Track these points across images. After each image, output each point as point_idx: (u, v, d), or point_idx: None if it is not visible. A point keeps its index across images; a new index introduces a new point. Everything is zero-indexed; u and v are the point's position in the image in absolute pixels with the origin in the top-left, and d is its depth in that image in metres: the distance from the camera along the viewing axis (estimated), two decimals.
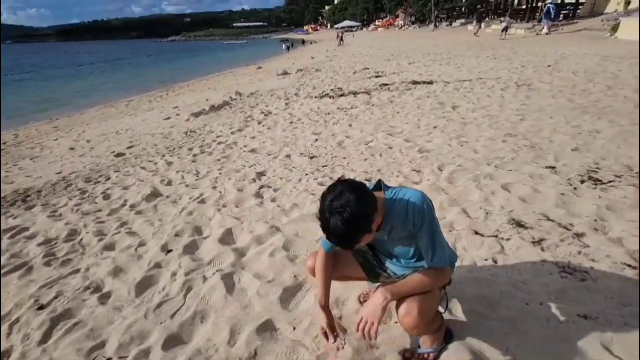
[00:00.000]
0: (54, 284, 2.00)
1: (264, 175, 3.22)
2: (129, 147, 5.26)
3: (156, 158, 4.38)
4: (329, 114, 5.26)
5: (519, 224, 2.01)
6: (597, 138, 3.16)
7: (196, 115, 6.99)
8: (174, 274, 1.98)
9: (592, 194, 2.24)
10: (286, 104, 6.81)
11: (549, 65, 6.81)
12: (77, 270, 2.12)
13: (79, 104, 13.43)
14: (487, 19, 27.19)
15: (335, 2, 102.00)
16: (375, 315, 1.09)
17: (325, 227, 1.00)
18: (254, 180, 3.09)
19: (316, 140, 3.98)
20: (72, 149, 5.83)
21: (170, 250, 2.22)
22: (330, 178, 2.98)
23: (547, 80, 5.48)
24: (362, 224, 0.99)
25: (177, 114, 7.60)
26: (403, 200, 1.13)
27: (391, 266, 1.38)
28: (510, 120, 3.83)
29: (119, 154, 4.90)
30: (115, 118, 8.73)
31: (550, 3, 16.20)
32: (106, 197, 3.28)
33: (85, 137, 6.65)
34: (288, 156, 3.62)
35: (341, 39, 29.02)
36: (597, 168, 2.58)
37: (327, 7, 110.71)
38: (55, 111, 12.35)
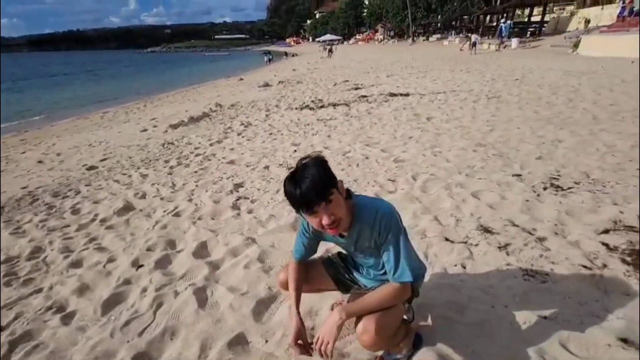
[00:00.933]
0: (13, 305, 1.90)
1: (242, 186, 3.20)
2: (102, 160, 5.10)
3: (131, 171, 4.27)
4: (308, 124, 5.32)
5: (487, 230, 2.09)
6: (559, 147, 3.35)
7: (174, 127, 6.90)
8: (144, 290, 1.92)
9: (554, 200, 2.36)
10: (266, 115, 6.83)
11: (517, 79, 7.19)
12: (40, 290, 2.02)
13: (50, 116, 12.97)
14: (460, 35, 28.49)
15: (317, 16, 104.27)
16: (331, 335, 1.10)
17: (297, 196, 1.03)
18: (231, 192, 3.07)
19: (295, 151, 4.01)
20: (40, 162, 5.59)
21: (142, 266, 2.15)
22: None
23: (515, 93, 5.79)
24: (330, 180, 1.06)
25: (155, 126, 7.47)
26: (372, 207, 1.17)
27: (360, 278, 1.41)
28: (481, 131, 4.01)
29: (91, 167, 4.74)
30: (88, 130, 8.47)
31: (503, 23, 17.73)
32: (75, 211, 3.16)
33: (56, 150, 6.41)
34: (267, 167, 3.62)
35: (330, 51, 29.53)
36: (558, 175, 2.73)
37: (308, 21, 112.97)
38: (24, 123, 11.87)
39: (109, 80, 28.24)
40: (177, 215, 2.78)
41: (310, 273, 1.41)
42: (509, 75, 7.99)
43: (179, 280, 1.99)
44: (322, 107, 6.73)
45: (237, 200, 2.89)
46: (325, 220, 1.06)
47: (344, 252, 1.47)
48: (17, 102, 17.20)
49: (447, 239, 2.06)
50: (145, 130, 7.17)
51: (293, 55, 48.28)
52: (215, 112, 8.17)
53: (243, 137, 5.25)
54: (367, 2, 65.89)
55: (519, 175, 2.82)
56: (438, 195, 2.63)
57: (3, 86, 26.00)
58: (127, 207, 3.07)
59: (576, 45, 13.17)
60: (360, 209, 1.17)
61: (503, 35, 16.92)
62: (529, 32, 20.18)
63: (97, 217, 2.97)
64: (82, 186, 3.91)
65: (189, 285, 1.91)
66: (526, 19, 23.10)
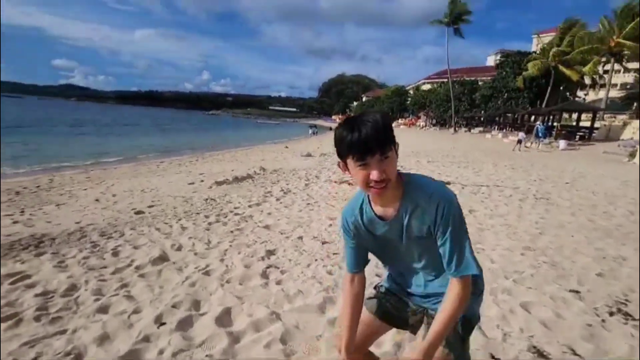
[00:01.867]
0: (36, 343, 1.90)
1: (274, 254, 3.19)
2: (149, 206, 5.44)
3: (172, 221, 4.47)
4: (346, 200, 5.38)
5: (542, 355, 1.82)
6: (624, 266, 3.01)
7: (219, 183, 7.33)
8: (161, 352, 1.84)
9: (624, 330, 2.04)
10: (306, 184, 7.08)
11: (567, 183, 6.93)
12: (64, 332, 2.02)
13: (116, 159, 14.53)
14: (504, 130, 29.01)
15: (364, 99, 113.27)
16: None
17: (352, 139, 0.92)
18: (262, 258, 3.05)
19: (330, 225, 4.01)
20: (97, 200, 6.09)
21: (164, 323, 2.11)
22: (340, 267, 2.90)
23: (566, 197, 5.52)
24: (391, 133, 0.95)
25: (202, 180, 7.99)
26: (429, 187, 1.03)
27: (413, 298, 1.22)
28: (529, 233, 3.77)
29: (139, 212, 5.05)
30: (144, 176, 9.25)
31: (539, 124, 18.24)
32: (115, 254, 3.29)
33: (113, 191, 6.99)
34: (300, 238, 3.61)
35: None
36: (626, 300, 2.40)
37: (355, 103, 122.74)
38: (94, 161, 13.34)
39: (174, 134, 31.65)
40: (207, 273, 2.78)
41: (359, 330, 1.23)
42: (558, 177, 7.76)
43: (197, 347, 1.90)
44: None
45: (268, 268, 2.85)
46: (375, 175, 0.93)
47: (383, 284, 1.31)
48: (94, 144, 19.65)
49: (493, 357, 1.81)
50: (192, 183, 7.68)
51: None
52: (258, 175, 8.63)
53: (281, 203, 5.40)
54: (411, 92, 71.17)
55: (576, 291, 2.52)
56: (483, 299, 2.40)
57: (88, 129, 30.02)
58: (162, 257, 3.14)
59: (632, 155, 12.74)
60: (414, 187, 1.02)
61: (540, 136, 17.08)
62: (578, 136, 20.11)
63: (133, 262, 3.05)
64: (127, 229, 4.13)
65: (206, 356, 1.81)
66: (574, 123, 23.25)
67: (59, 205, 5.73)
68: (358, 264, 1.19)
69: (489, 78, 38.06)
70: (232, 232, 3.92)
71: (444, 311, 1.01)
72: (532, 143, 16.94)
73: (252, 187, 7.06)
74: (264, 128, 57.13)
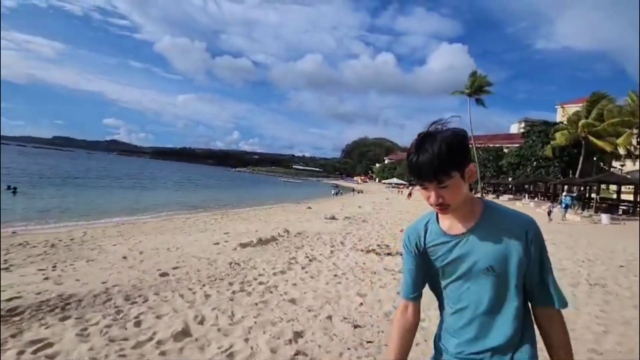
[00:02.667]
0: None
1: (302, 337, 2.94)
2: (174, 268, 5.39)
3: (196, 287, 4.36)
4: (375, 273, 5.11)
5: None
6: None
7: (243, 246, 7.27)
8: None
9: None
10: (331, 251, 6.87)
11: (621, 266, 6.29)
12: None
13: (143, 212, 15.07)
14: (536, 199, 27.99)
15: (386, 161, 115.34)
16: None
17: (411, 165, 0.91)
18: (290, 341, 2.81)
19: (361, 304, 3.73)
20: (124, 257, 6.15)
21: None
22: (375, 359, 2.61)
23: (625, 284, 4.94)
24: (453, 161, 0.88)
25: (226, 241, 7.97)
26: (512, 213, 0.98)
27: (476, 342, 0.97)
28: (591, 331, 3.29)
29: (164, 274, 5.00)
30: (170, 233, 9.39)
31: (565, 195, 17.54)
32: (137, 323, 3.17)
33: (140, 248, 7.08)
34: (329, 318, 3.36)
35: (410, 194, 30.69)
36: None
37: (377, 165, 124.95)
38: (122, 215, 13.87)
39: (201, 190, 32.94)
40: (230, 356, 2.57)
41: None
42: (608, 257, 7.09)
43: None
44: (389, 254, 6.58)
45: (296, 355, 2.60)
46: (432, 200, 0.92)
47: (442, 343, 1.06)
48: (128, 199, 20.63)
49: None
50: (217, 243, 7.67)
51: (359, 192, 51.85)
52: (282, 238, 8.53)
53: (306, 272, 5.19)
54: None
55: None
56: None
57: (122, 183, 31.92)
58: (185, 332, 2.98)
59: None
60: (495, 209, 0.98)
61: (564, 207, 16.23)
62: (621, 210, 18.95)
63: (155, 336, 2.90)
64: (151, 294, 4.04)
65: None
66: (614, 196, 22.13)
67: (88, 262, 5.81)
68: (415, 289, 1.06)
69: (515, 145, 38.10)
70: (256, 304, 3.73)
71: (563, 344, 0.94)
72: (563, 214, 16.04)
73: (276, 251, 6.93)
74: (287, 186, 58.44)
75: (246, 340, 2.86)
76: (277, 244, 7.77)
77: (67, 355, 2.56)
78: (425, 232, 1.03)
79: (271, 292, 4.19)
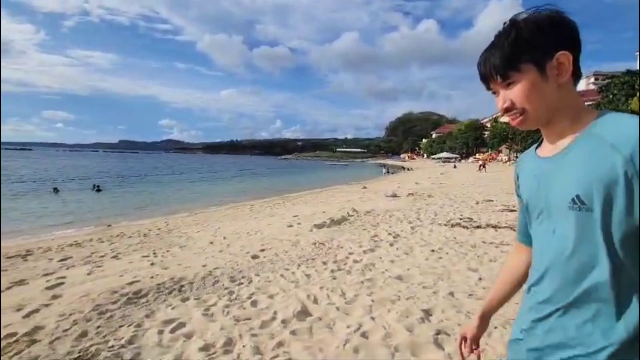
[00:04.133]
0: None
1: (431, 314, 2.71)
2: (261, 250, 5.48)
3: (292, 267, 4.34)
4: (475, 246, 4.70)
5: None
6: None
7: (318, 227, 7.22)
8: None
9: None
10: (412, 227, 6.53)
11: None
12: None
13: (211, 201, 15.93)
14: None
15: (434, 136, 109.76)
16: None
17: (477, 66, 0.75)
18: (422, 320, 2.60)
19: (480, 279, 3.39)
20: (211, 243, 6.43)
21: None
22: None
23: None
24: (526, 39, 0.65)
25: (298, 223, 8.00)
26: (630, 122, 0.59)
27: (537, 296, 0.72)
28: None
29: (254, 256, 5.09)
30: (242, 219, 9.72)
31: None
32: (253, 303, 3.18)
33: (222, 233, 7.38)
34: (451, 294, 3.08)
35: (482, 165, 29.07)
36: None
37: (424, 140, 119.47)
38: (192, 205, 14.78)
39: (254, 178, 34.20)
40: (364, 336, 2.42)
41: None
42: None
43: None
44: (478, 227, 6.07)
45: (437, 335, 2.37)
46: (498, 103, 0.73)
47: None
48: (194, 191, 22.05)
49: None
50: (290, 226, 7.73)
51: (408, 169, 50.04)
52: (352, 217, 8.36)
53: (397, 249, 4.94)
54: (489, 125, 66.62)
55: None
56: None
57: (178, 177, 34.21)
58: (304, 311, 2.91)
59: None
60: (607, 122, 0.63)
61: None
62: None
63: (277, 315, 2.87)
64: (253, 275, 4.10)
65: None
66: None
67: (181, 248, 6.16)
68: (524, 230, 0.87)
69: (591, 103, 33.60)
70: (362, 282, 3.58)
71: None
72: None
73: (353, 229, 6.77)
74: (335, 170, 58.41)
75: (372, 318, 2.69)
76: (350, 223, 7.61)
77: (202, 335, 2.61)
78: (522, 160, 0.84)
79: (370, 270, 4.01)
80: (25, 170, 35.44)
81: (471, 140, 72.61)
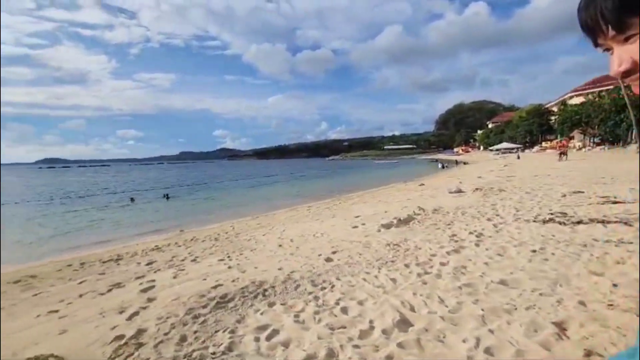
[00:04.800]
0: None
1: (566, 329, 2.27)
2: (333, 253, 5.31)
3: (373, 270, 4.09)
4: (586, 246, 4.01)
5: None
6: None
7: (386, 227, 6.88)
8: None
9: None
10: (494, 225, 5.89)
11: None
12: None
13: (270, 205, 16.35)
14: None
15: (490, 126, 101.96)
16: None
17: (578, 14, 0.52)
18: (558, 335, 2.17)
19: (615, 285, 2.82)
20: (280, 246, 6.43)
21: None
22: None
23: None
24: None
25: (363, 224, 7.74)
26: None
27: None
28: None
29: (328, 259, 4.93)
30: (304, 221, 9.72)
31: None
32: (344, 310, 2.99)
33: (288, 236, 7.39)
34: (582, 303, 2.58)
35: (562, 154, 26.55)
36: None
37: (479, 131, 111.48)
38: (253, 209, 15.27)
39: (307, 181, 34.67)
40: (490, 353, 2.09)
41: None
42: None
43: None
44: (578, 222, 5.25)
45: (588, 356, 1.94)
46: (612, 65, 0.50)
47: None
48: (253, 195, 22.93)
49: None
50: (355, 227, 7.49)
51: (464, 163, 46.89)
52: (420, 216, 7.86)
53: (487, 249, 4.43)
54: (555, 109, 59.88)
55: None
56: None
57: (233, 183, 35.80)
58: (404, 321, 2.64)
59: None
60: None
61: None
62: None
63: (374, 324, 2.65)
64: (333, 279, 3.93)
65: None
66: None
67: (252, 251, 6.25)
68: None
69: None
70: (459, 288, 3.20)
71: None
72: None
73: (425, 229, 6.32)
74: (385, 168, 57.03)
75: (491, 331, 2.33)
76: (419, 222, 7.14)
77: (300, 344, 2.48)
78: None
79: (463, 274, 3.60)
80: (106, 184, 40.02)
81: (535, 128, 65.88)
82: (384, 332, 2.51)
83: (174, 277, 4.85)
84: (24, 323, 3.67)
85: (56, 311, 3.93)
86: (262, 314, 3.14)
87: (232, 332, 2.83)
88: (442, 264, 4.01)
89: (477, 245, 4.70)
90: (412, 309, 2.85)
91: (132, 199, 19.77)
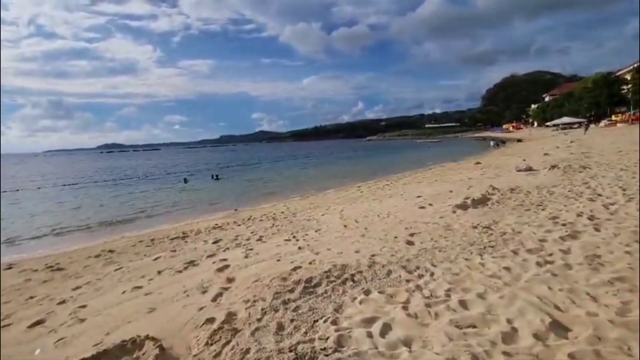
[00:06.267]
0: None
1: None
2: (411, 235, 4.81)
3: (473, 257, 3.55)
4: None
5: None
6: None
7: (461, 207, 6.20)
8: None
9: None
10: (604, 206, 5.00)
11: None
12: None
13: (317, 185, 16.09)
14: None
15: (546, 99, 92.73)
16: None
17: None
18: None
19: None
20: (345, 226, 6.04)
21: None
22: None
23: None
24: None
25: (430, 204, 7.11)
26: None
27: None
28: None
29: (409, 242, 4.45)
30: (360, 201, 9.25)
31: None
32: (463, 304, 2.52)
33: (349, 215, 6.99)
34: None
35: (586, 129, 23.53)
36: None
37: (533, 106, 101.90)
38: (300, 189, 15.11)
39: (349, 161, 34.03)
40: None
41: None
42: None
43: None
44: None
45: None
46: None
47: None
48: (298, 175, 22.90)
49: None
50: (423, 207, 6.89)
51: (518, 140, 43.11)
52: (495, 196, 7.04)
53: (615, 235, 3.66)
54: (629, 78, 52.44)
55: None
56: None
57: (279, 164, 36.09)
58: (558, 324, 2.10)
59: None
60: None
61: None
62: None
63: (514, 325, 2.14)
64: (428, 265, 3.45)
65: None
66: None
67: (317, 231, 5.94)
68: None
69: None
70: (611, 283, 2.56)
71: None
72: None
73: (512, 210, 5.57)
74: (428, 147, 54.45)
75: None
76: (498, 202, 6.36)
77: (427, 344, 2.06)
78: None
79: (602, 265, 2.93)
80: (162, 166, 42.44)
81: (603, 100, 58.53)
82: (536, 336, 1.99)
83: (246, 257, 4.67)
84: (112, 299, 3.66)
85: (140, 287, 3.90)
86: (360, 302, 2.76)
87: (334, 323, 2.48)
88: (563, 251, 3.35)
89: (597, 230, 3.93)
90: (558, 308, 2.30)
91: (185, 180, 20.60)
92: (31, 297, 4.10)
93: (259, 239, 5.83)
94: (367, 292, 2.95)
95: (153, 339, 2.52)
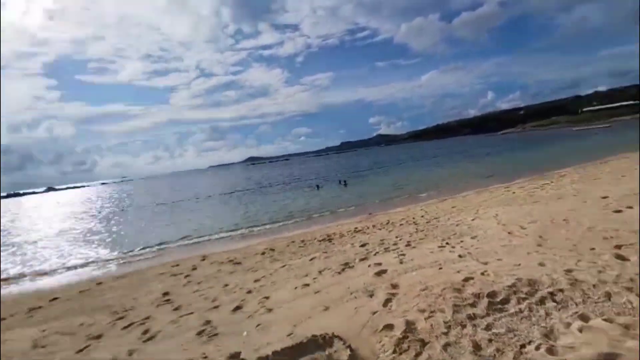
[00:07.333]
0: None
1: None
2: (617, 247, 3.69)
3: None
4: None
5: None
6: None
7: None
8: None
9: None
10: None
11: None
12: None
13: (450, 187, 14.76)
14: None
15: None
16: None
17: None
18: None
19: None
20: (509, 233, 5.19)
21: None
22: None
23: None
24: None
25: (630, 207, 5.41)
26: None
27: None
28: None
29: (619, 256, 3.41)
30: (514, 204, 7.91)
31: None
32: None
33: (510, 220, 6.00)
34: None
35: None
36: None
37: None
38: (432, 192, 14.12)
39: (484, 159, 30.22)
40: None
41: None
42: None
43: None
44: None
45: None
46: None
47: None
48: (425, 178, 21.76)
49: None
50: (619, 211, 5.31)
51: None
52: None
53: None
54: None
55: None
56: None
57: (399, 166, 34.94)
58: None
59: None
60: None
61: None
62: None
63: None
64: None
65: None
66: None
67: (473, 238, 5.29)
68: None
69: None
70: None
71: None
72: None
73: None
74: (596, 134, 43.18)
75: None
76: None
77: None
78: None
79: None
80: (293, 174, 47.58)
81: None
82: None
83: (400, 263, 4.52)
84: (287, 294, 4.10)
85: (307, 285, 4.25)
86: (581, 331, 2.19)
87: (551, 352, 2.03)
88: None
89: None
90: None
91: (317, 186, 22.33)
92: (226, 285, 5.02)
93: (408, 244, 5.61)
94: (584, 318, 2.34)
95: (340, 338, 2.63)
